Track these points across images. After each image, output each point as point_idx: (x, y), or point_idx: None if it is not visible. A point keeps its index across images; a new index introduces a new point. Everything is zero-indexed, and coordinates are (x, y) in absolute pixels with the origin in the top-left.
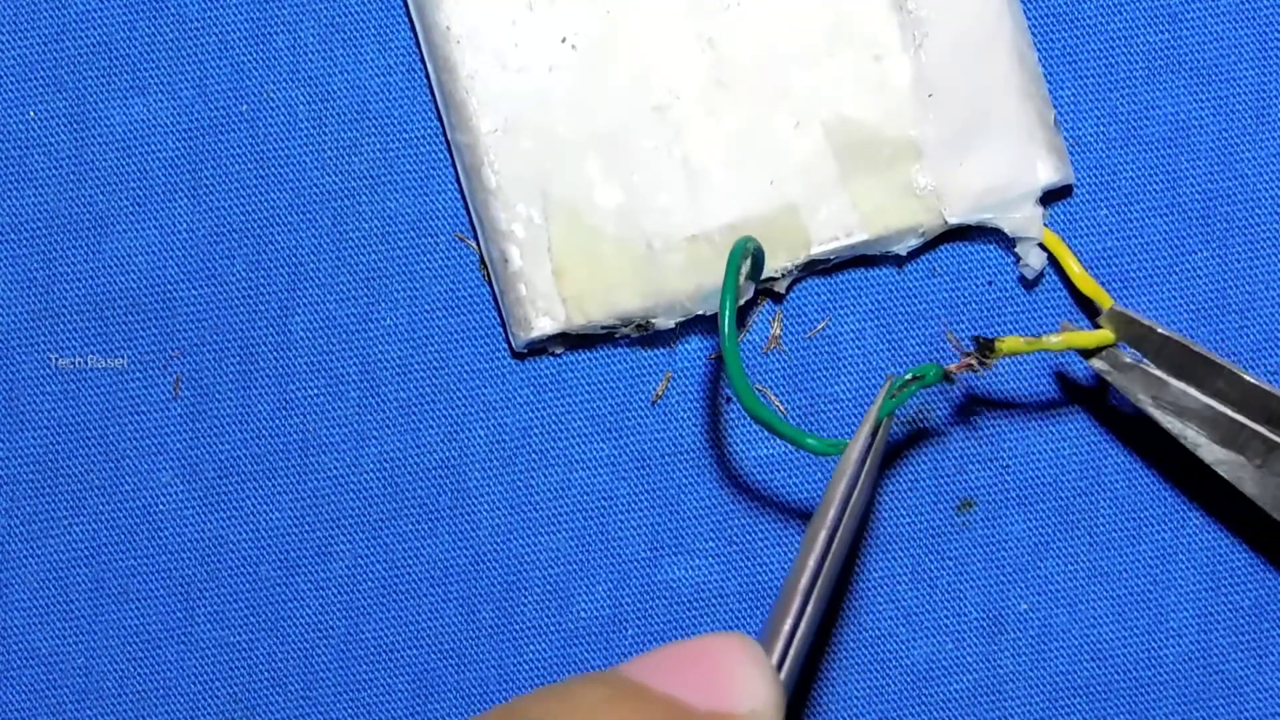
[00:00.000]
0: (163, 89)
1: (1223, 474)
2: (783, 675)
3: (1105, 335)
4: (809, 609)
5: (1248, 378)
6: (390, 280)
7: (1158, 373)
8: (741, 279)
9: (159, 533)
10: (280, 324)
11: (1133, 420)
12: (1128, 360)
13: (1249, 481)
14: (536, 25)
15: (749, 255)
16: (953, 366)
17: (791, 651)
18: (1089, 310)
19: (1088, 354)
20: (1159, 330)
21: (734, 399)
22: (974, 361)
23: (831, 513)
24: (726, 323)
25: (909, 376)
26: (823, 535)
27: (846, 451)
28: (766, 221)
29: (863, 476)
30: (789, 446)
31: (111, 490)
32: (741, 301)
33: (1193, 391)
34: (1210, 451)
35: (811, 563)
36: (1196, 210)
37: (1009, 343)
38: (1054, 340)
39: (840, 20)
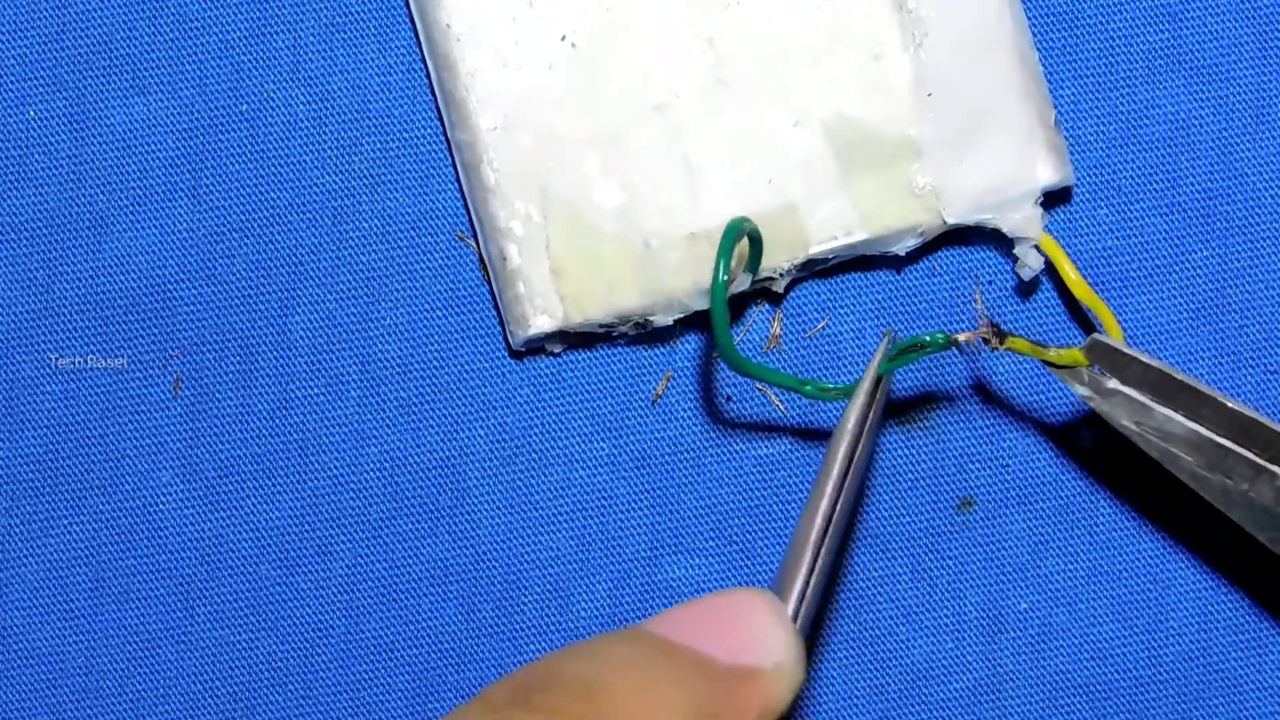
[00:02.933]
0: (163, 89)
1: (1209, 498)
2: (797, 626)
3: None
4: (819, 563)
5: (1231, 404)
6: (390, 280)
7: (1141, 398)
8: (736, 260)
9: (159, 533)
10: (280, 324)
11: None
12: (1111, 385)
13: (1237, 506)
14: (537, 23)
15: (744, 233)
16: (966, 335)
17: (804, 604)
18: (1087, 315)
19: (1068, 378)
20: (1141, 359)
21: (725, 365)
22: (988, 335)
23: (836, 468)
24: (718, 286)
25: (913, 343)
26: (829, 489)
27: (848, 409)
28: (766, 220)
29: (864, 433)
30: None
31: (111, 490)
32: (738, 290)
33: (1177, 416)
34: (1196, 477)
35: (819, 518)
36: (1196, 210)
37: (1018, 343)
38: (1055, 353)
39: (840, 19)
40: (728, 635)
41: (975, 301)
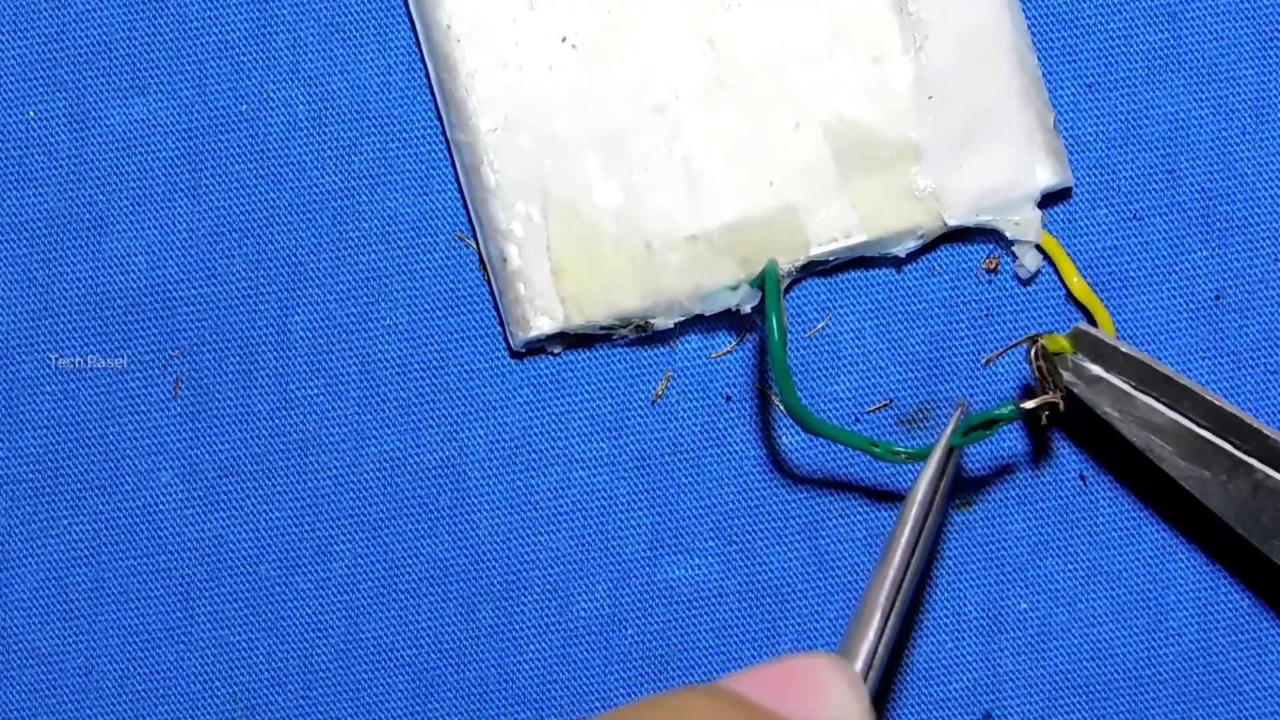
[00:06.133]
0: (163, 89)
1: (1188, 488)
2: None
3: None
4: (888, 626)
5: (1210, 397)
6: (390, 280)
7: (1124, 386)
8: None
9: (159, 533)
10: (280, 324)
11: None
12: (1094, 373)
13: (1214, 497)
14: (537, 24)
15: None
16: (1031, 404)
17: (873, 667)
18: (1087, 311)
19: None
20: (1122, 350)
21: (786, 413)
22: (1053, 398)
23: (906, 534)
24: (776, 344)
25: (987, 418)
26: (899, 555)
27: (920, 477)
28: (766, 222)
29: (936, 499)
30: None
31: (111, 490)
32: (747, 309)
33: (1158, 406)
34: (1175, 466)
35: (889, 583)
36: (1196, 210)
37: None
38: (1044, 340)
39: (841, 21)
40: (804, 696)
41: (1028, 361)
